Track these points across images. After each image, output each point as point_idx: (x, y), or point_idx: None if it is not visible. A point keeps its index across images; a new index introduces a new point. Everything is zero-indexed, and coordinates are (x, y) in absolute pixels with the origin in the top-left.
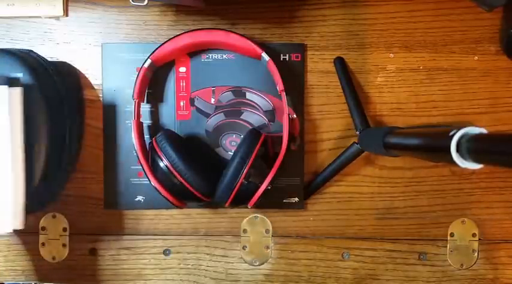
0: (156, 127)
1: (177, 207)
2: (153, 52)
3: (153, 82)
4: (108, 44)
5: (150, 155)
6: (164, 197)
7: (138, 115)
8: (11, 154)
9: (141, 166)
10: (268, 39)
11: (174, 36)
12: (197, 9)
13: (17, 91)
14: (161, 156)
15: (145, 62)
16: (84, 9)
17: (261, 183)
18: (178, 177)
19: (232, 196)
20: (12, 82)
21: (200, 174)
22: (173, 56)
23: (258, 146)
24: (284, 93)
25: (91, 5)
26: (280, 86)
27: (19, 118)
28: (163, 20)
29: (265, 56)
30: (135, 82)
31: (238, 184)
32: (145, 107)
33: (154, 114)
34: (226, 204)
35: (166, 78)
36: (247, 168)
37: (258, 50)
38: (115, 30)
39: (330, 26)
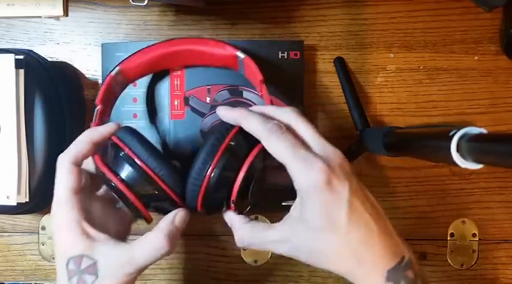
0: (150, 126)
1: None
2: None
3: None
4: (108, 43)
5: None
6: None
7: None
8: (15, 127)
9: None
10: (268, 39)
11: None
12: (197, 9)
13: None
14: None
15: (113, 70)
16: (84, 9)
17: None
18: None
19: (200, 200)
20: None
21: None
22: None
23: (228, 139)
24: (265, 84)
25: (91, 5)
26: (259, 76)
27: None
28: (163, 20)
29: (240, 55)
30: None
31: (203, 188)
32: (138, 106)
33: (148, 114)
34: (198, 209)
35: (160, 76)
36: (211, 167)
37: (232, 52)
38: (115, 30)
39: (330, 25)
